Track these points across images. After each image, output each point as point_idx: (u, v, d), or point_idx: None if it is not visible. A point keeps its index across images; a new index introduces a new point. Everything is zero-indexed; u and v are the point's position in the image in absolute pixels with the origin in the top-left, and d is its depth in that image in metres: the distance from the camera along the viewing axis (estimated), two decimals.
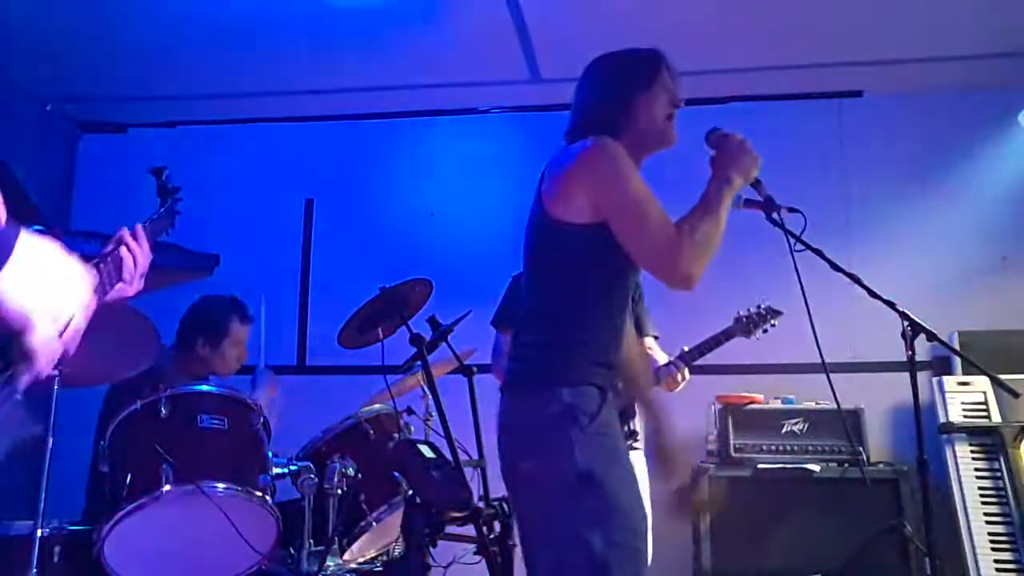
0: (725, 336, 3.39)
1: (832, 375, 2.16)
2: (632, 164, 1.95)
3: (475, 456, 2.89)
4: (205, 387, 2.75)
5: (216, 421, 2.60)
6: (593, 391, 1.91)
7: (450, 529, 2.48)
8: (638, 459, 3.44)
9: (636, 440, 3.44)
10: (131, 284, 1.63)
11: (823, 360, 2.11)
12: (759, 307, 3.41)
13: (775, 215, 2.06)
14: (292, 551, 2.76)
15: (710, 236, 1.88)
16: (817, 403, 3.80)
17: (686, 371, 3.35)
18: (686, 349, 3.34)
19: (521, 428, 1.95)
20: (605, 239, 1.91)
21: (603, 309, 1.98)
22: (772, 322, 3.41)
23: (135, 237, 1.65)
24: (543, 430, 1.88)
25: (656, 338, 3.51)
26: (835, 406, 3.68)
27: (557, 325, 1.96)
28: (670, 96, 2.07)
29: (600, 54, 2.16)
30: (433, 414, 3.14)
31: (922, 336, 2.23)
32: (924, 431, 2.31)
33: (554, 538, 1.85)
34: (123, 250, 1.61)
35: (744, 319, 3.41)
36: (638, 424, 3.44)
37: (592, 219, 1.91)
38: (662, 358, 3.44)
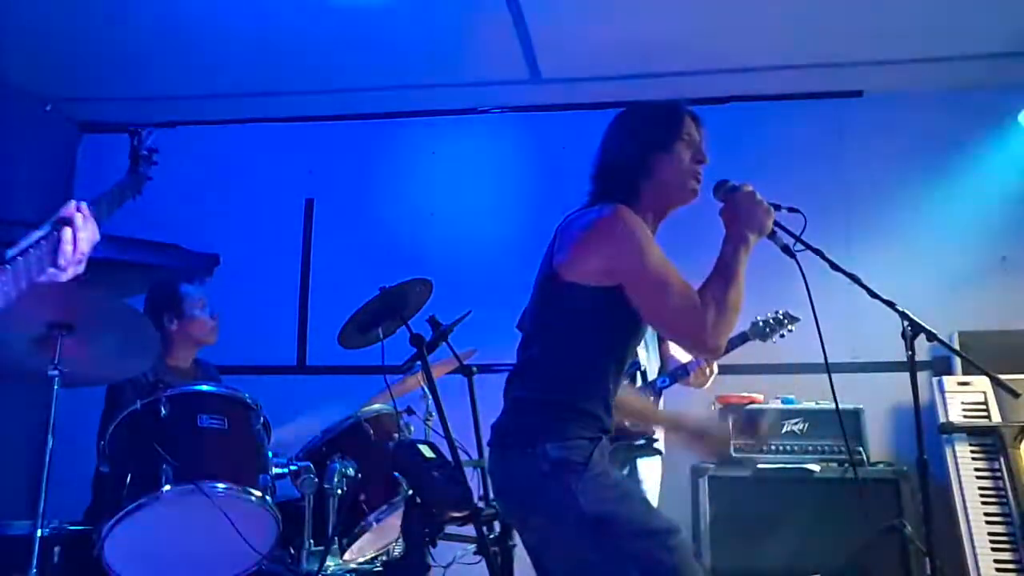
0: (741, 340, 3.39)
1: (832, 375, 2.16)
2: (649, 234, 1.93)
3: (475, 456, 2.89)
4: (205, 387, 2.75)
5: (216, 421, 2.61)
6: (583, 443, 1.89)
7: (450, 529, 2.48)
8: (654, 464, 3.44)
9: (655, 443, 3.44)
10: (66, 269, 1.56)
11: (826, 359, 2.11)
12: (777, 312, 3.41)
13: (775, 214, 2.05)
14: (292, 551, 2.77)
15: (734, 303, 1.86)
16: (817, 403, 3.80)
17: (715, 364, 3.35)
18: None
19: (519, 492, 1.93)
20: (612, 304, 1.90)
21: (600, 372, 1.95)
22: (789, 327, 3.41)
23: (79, 216, 1.57)
24: (541, 489, 1.86)
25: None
26: (835, 406, 3.72)
27: (552, 384, 1.94)
28: (694, 152, 2.03)
29: (627, 106, 2.13)
30: (433, 414, 3.15)
31: (922, 336, 2.23)
32: (924, 431, 2.31)
33: None
34: (65, 232, 1.54)
35: (761, 324, 3.41)
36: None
37: (602, 283, 1.90)
38: (685, 357, 3.45)
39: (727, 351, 3.32)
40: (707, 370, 3.34)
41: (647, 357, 3.41)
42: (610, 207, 1.93)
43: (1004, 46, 4.00)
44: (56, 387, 2.44)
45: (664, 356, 3.51)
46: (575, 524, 1.82)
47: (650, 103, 2.12)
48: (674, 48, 4.01)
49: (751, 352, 3.52)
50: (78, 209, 1.58)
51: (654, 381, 3.38)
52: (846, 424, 3.66)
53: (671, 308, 1.86)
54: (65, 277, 1.57)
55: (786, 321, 3.41)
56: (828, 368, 2.14)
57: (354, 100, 4.69)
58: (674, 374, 3.36)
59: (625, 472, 3.33)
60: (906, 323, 2.23)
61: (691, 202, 2.04)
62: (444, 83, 4.49)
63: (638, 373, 3.38)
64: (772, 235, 2.01)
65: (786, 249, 2.03)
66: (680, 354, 3.49)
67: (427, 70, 4.34)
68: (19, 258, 1.47)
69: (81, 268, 1.60)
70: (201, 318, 3.32)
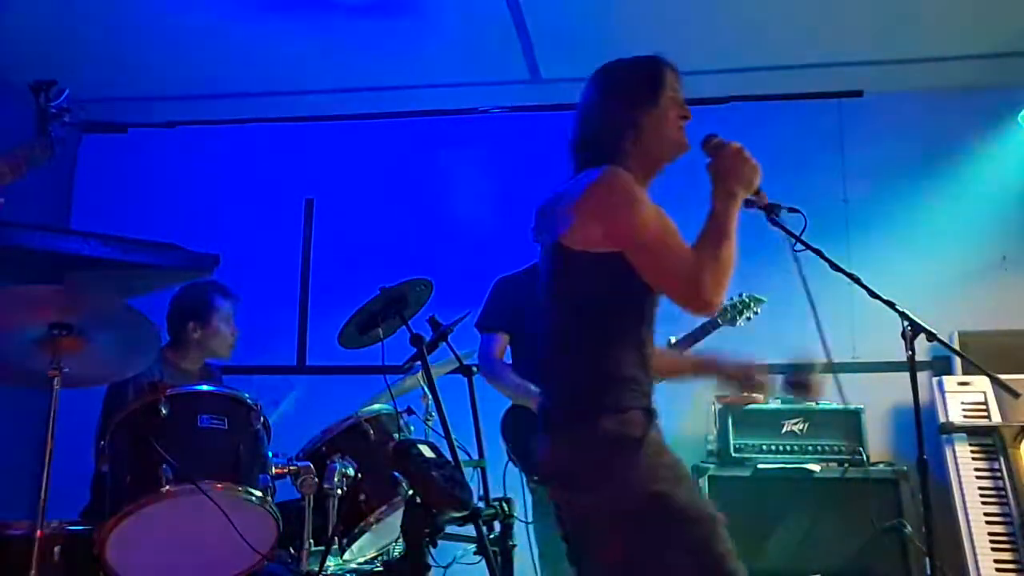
0: (712, 326, 3.39)
1: (832, 375, 2.16)
2: (643, 193, 1.90)
3: (475, 456, 2.89)
4: (205, 387, 2.74)
5: (216, 421, 2.60)
6: (637, 415, 1.85)
7: (450, 529, 2.48)
8: None
9: None
10: None
11: (828, 359, 2.11)
12: (741, 295, 3.42)
13: (775, 215, 2.05)
14: (292, 551, 2.76)
15: (728, 259, 1.84)
16: (817, 403, 3.80)
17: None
18: (673, 340, 3.34)
19: (573, 469, 1.87)
20: (621, 266, 1.86)
21: (629, 335, 1.91)
22: (755, 310, 3.42)
23: None
24: (596, 466, 1.81)
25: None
26: (835, 406, 3.73)
27: (585, 358, 1.90)
28: (678, 107, 2.02)
29: (603, 65, 2.10)
30: (433, 414, 3.14)
31: (922, 336, 2.23)
32: (924, 431, 2.31)
33: (641, 572, 1.80)
34: None
35: (728, 308, 3.40)
36: None
37: (606, 248, 1.87)
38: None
39: (699, 339, 3.34)
40: None
41: None
42: (600, 169, 1.90)
43: (1004, 46, 4.00)
44: (56, 387, 2.44)
45: None
46: (629, 502, 1.78)
47: (629, 60, 2.08)
48: (674, 48, 4.00)
49: (751, 352, 3.52)
50: None
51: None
52: (847, 424, 3.67)
53: (668, 267, 1.84)
54: None
55: (751, 303, 3.41)
56: (831, 367, 2.14)
57: (354, 100, 4.69)
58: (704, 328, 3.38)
59: None
60: (906, 323, 2.23)
61: (684, 154, 2.02)
62: (444, 83, 4.50)
63: None
64: (757, 193, 1.99)
65: (768, 208, 2.02)
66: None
67: (427, 70, 4.34)
68: None
69: None
70: (224, 333, 3.36)
